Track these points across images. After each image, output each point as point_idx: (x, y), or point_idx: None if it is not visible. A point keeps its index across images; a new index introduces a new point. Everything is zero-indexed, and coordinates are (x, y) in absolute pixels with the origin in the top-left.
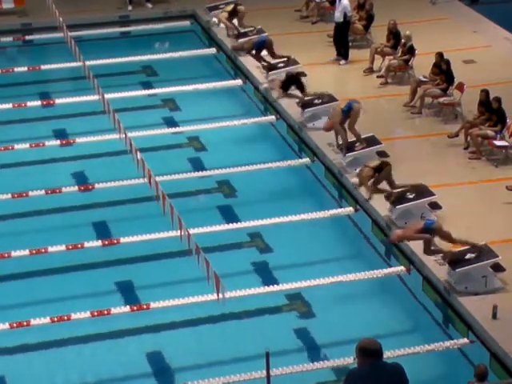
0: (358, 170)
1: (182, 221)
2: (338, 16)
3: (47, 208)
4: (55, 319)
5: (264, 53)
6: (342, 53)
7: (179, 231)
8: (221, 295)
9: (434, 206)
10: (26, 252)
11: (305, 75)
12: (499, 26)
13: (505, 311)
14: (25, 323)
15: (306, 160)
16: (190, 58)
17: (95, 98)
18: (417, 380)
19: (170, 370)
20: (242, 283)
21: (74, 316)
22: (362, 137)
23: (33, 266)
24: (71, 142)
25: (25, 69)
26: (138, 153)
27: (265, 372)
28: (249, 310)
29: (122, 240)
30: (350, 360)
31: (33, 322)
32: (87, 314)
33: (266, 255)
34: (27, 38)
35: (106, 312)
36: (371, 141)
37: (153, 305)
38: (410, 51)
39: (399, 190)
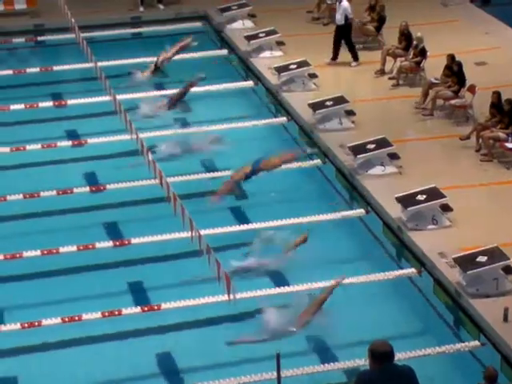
0: None
1: (193, 222)
2: (339, 18)
3: (58, 209)
4: (66, 319)
5: None
6: (351, 56)
7: (190, 232)
8: (231, 296)
9: (445, 208)
10: (38, 252)
11: (316, 76)
12: (511, 28)
13: None
14: (36, 323)
15: (317, 161)
16: (201, 60)
17: (107, 98)
18: (427, 382)
19: (180, 371)
20: (254, 284)
21: (84, 316)
22: (373, 138)
23: (44, 267)
24: (83, 142)
25: (37, 70)
26: (150, 154)
27: (275, 373)
28: (260, 310)
29: (133, 241)
30: (360, 362)
31: (44, 322)
32: (98, 315)
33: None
34: (39, 38)
35: (116, 312)
36: (382, 143)
37: (163, 305)
38: (422, 53)
39: None
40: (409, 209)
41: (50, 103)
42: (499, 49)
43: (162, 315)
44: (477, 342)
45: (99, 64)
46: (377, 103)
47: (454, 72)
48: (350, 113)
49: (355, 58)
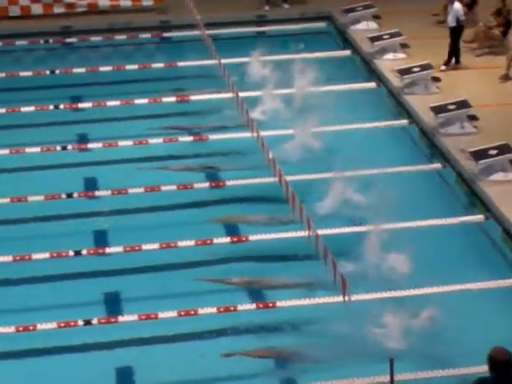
0: None
1: (311, 221)
2: (451, 20)
3: (179, 202)
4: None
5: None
6: (447, 57)
7: (307, 232)
8: (347, 298)
9: None
10: (156, 245)
11: (439, 80)
12: None
13: None
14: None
15: (437, 166)
16: (324, 60)
17: (229, 95)
18: None
19: (293, 371)
20: (368, 287)
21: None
22: (496, 144)
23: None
24: (204, 138)
25: (161, 65)
26: (270, 152)
27: (388, 377)
28: (376, 313)
29: (251, 238)
30: (474, 369)
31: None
32: (213, 310)
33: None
34: (165, 34)
35: (232, 308)
36: (505, 149)
37: (279, 303)
38: None
39: None
40: None
41: (173, 98)
42: None
43: (276, 312)
44: None
45: (223, 61)
46: (501, 109)
47: None
48: (472, 118)
49: (448, 62)
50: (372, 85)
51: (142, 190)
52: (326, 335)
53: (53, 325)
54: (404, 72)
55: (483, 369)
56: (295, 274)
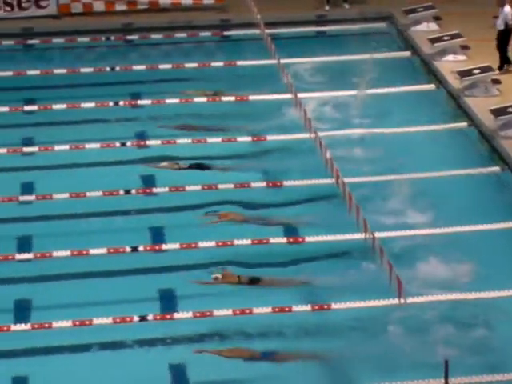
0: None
1: (367, 222)
2: (499, 23)
3: (235, 199)
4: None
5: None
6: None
7: (364, 233)
8: (402, 300)
9: None
10: (212, 243)
11: (500, 82)
12: None
13: None
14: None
15: (495, 169)
16: (383, 61)
17: (288, 96)
18: None
19: (350, 373)
20: (434, 289)
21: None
22: None
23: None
24: (262, 139)
25: (221, 64)
26: (328, 152)
27: (443, 380)
28: (432, 317)
29: (307, 239)
30: None
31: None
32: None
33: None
34: (225, 33)
35: (287, 309)
36: None
37: (333, 306)
38: None
39: None
40: None
41: (232, 98)
42: None
43: (331, 314)
44: None
45: (282, 61)
46: None
47: None
48: None
49: (501, 66)
50: (431, 86)
51: (199, 187)
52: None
53: (108, 320)
54: (464, 74)
55: None
56: (350, 274)
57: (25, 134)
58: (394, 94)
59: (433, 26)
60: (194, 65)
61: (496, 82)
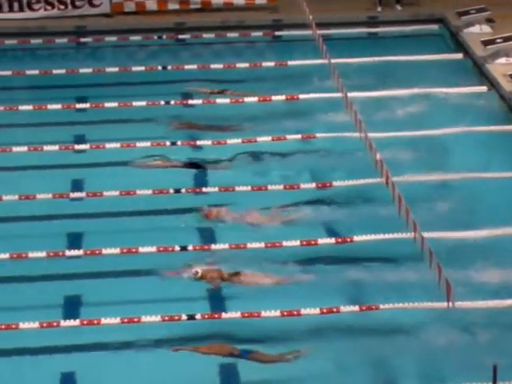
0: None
1: (417, 224)
2: None
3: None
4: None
5: None
6: None
7: (413, 234)
8: (451, 303)
9: None
10: (262, 244)
11: None
12: None
13: None
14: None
15: None
16: (435, 62)
17: (338, 95)
18: None
19: (393, 376)
20: (484, 293)
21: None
22: None
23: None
24: (311, 137)
25: (272, 64)
26: (378, 153)
27: None
28: (483, 322)
29: (356, 238)
30: None
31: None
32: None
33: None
34: (276, 33)
35: (334, 310)
36: None
37: (382, 306)
38: None
39: None
40: None
41: (282, 97)
42: None
43: (380, 315)
44: None
45: (333, 61)
46: None
47: None
48: None
49: None
50: (483, 89)
51: (249, 188)
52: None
53: (157, 318)
54: None
55: None
56: (397, 276)
57: (77, 131)
58: (445, 96)
59: (486, 28)
60: (245, 64)
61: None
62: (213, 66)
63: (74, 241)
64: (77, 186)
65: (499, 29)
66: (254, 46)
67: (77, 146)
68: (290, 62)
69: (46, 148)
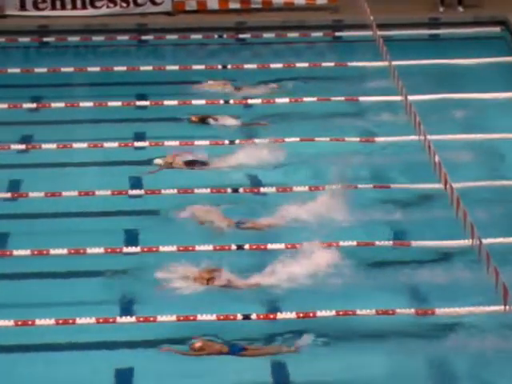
0: None
1: (475, 228)
2: None
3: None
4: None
5: None
6: None
7: (471, 239)
8: (507, 307)
9: None
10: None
11: None
12: None
13: None
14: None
15: None
16: (495, 65)
17: (397, 97)
18: None
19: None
20: None
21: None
22: None
23: None
24: (371, 140)
25: (332, 64)
26: (436, 156)
27: None
28: None
29: (414, 243)
30: None
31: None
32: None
33: None
34: (336, 34)
35: (390, 312)
36: None
37: (438, 311)
38: None
39: None
40: None
41: (342, 98)
42: None
43: (435, 319)
44: None
45: (394, 63)
46: None
47: None
48: None
49: None
50: None
51: (306, 188)
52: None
53: (213, 317)
54: None
55: None
56: (454, 279)
57: (136, 128)
58: (504, 100)
59: None
60: (305, 64)
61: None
62: (272, 66)
63: (131, 238)
64: (135, 183)
65: None
66: (313, 46)
67: (136, 143)
68: (350, 63)
69: (106, 145)
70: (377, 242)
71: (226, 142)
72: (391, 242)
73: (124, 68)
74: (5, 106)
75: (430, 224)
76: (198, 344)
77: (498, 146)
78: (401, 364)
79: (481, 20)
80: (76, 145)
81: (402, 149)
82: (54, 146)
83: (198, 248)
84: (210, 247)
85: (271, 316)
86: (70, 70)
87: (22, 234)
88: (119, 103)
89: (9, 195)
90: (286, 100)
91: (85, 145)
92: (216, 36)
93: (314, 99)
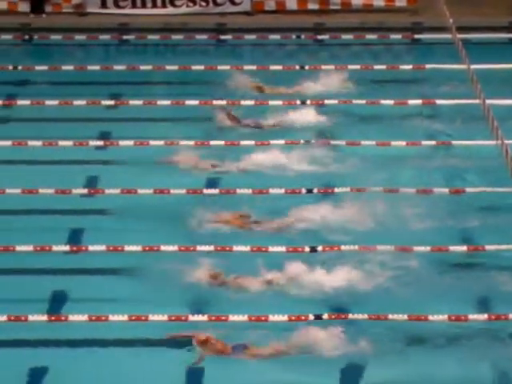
0: None
1: None
2: None
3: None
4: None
5: None
6: None
7: None
8: None
9: None
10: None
11: None
12: None
13: None
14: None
15: None
16: None
17: (475, 101)
18: None
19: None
20: None
21: None
22: None
23: None
24: (446, 142)
25: (410, 67)
26: None
27: None
28: None
29: (488, 248)
30: None
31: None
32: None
33: None
34: (416, 36)
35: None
36: None
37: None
38: None
39: None
40: None
41: (419, 101)
42: None
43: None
44: None
45: (472, 67)
46: None
47: None
48: None
49: None
50: None
51: (380, 189)
52: None
53: (284, 317)
54: None
55: None
56: None
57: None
58: None
59: None
60: (383, 67)
61: None
62: (350, 67)
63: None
64: (211, 182)
65: None
66: (392, 48)
67: (212, 142)
68: (428, 66)
69: (182, 143)
70: (451, 247)
71: (302, 141)
72: (465, 247)
73: (202, 67)
74: (84, 102)
75: (505, 229)
76: (202, 337)
77: None
78: (472, 370)
79: None
80: (152, 142)
81: (479, 153)
82: (131, 142)
83: None
84: None
85: (342, 316)
86: (149, 68)
87: (96, 229)
88: (196, 102)
89: (86, 191)
90: (362, 101)
91: (161, 142)
92: (294, 36)
93: (391, 102)
